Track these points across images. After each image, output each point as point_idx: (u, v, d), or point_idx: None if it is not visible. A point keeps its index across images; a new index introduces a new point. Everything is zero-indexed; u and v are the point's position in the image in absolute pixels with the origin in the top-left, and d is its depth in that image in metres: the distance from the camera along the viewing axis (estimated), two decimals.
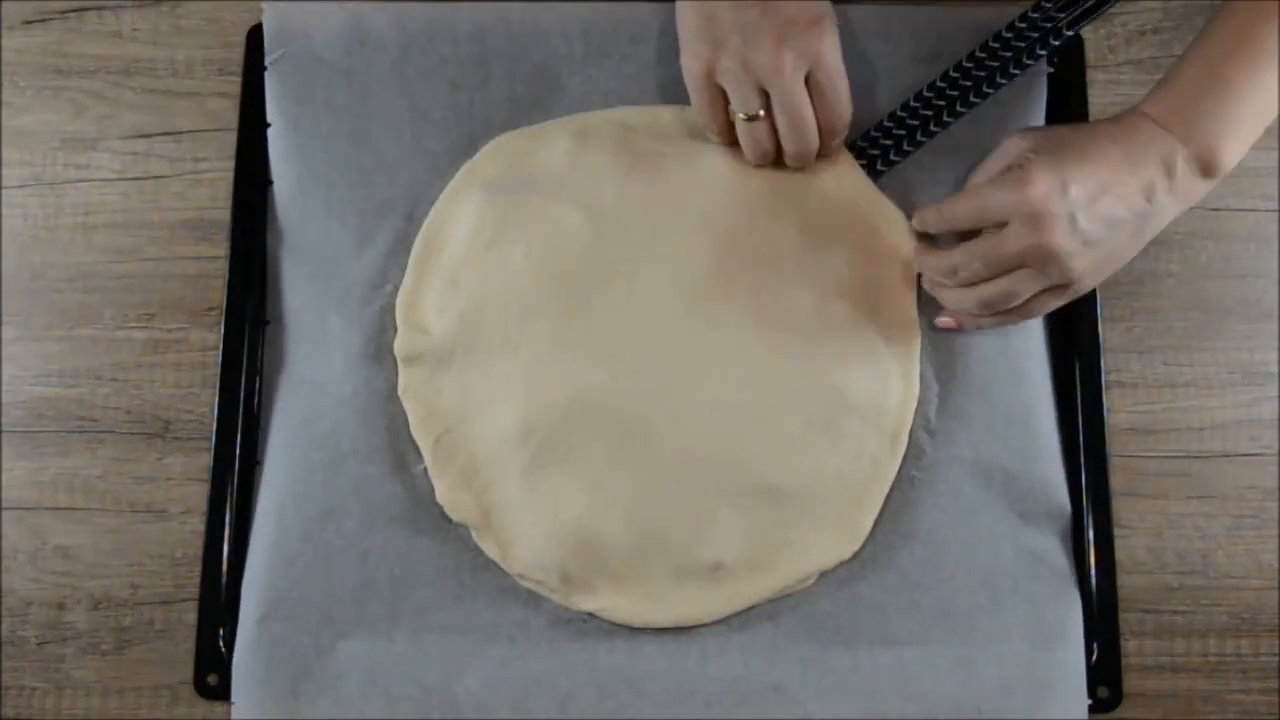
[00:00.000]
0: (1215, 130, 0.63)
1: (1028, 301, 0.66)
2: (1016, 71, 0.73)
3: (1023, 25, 0.73)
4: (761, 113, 0.68)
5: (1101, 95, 0.76)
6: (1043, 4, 0.73)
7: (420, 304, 0.72)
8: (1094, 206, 0.62)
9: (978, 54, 0.73)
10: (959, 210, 0.67)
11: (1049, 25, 0.73)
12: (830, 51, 0.67)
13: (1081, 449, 0.71)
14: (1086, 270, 0.64)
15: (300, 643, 0.69)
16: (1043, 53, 0.73)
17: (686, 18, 0.67)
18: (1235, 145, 0.63)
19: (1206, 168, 0.63)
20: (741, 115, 0.68)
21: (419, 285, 0.72)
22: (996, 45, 0.73)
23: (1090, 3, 0.73)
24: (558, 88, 0.74)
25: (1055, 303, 0.66)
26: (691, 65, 0.68)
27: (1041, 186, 0.62)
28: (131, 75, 0.78)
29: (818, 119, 0.68)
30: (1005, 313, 0.67)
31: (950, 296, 0.68)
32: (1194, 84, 0.63)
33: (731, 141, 0.71)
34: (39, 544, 0.73)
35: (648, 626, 0.68)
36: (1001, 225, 0.64)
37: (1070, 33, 0.73)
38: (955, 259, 0.66)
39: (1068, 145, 0.64)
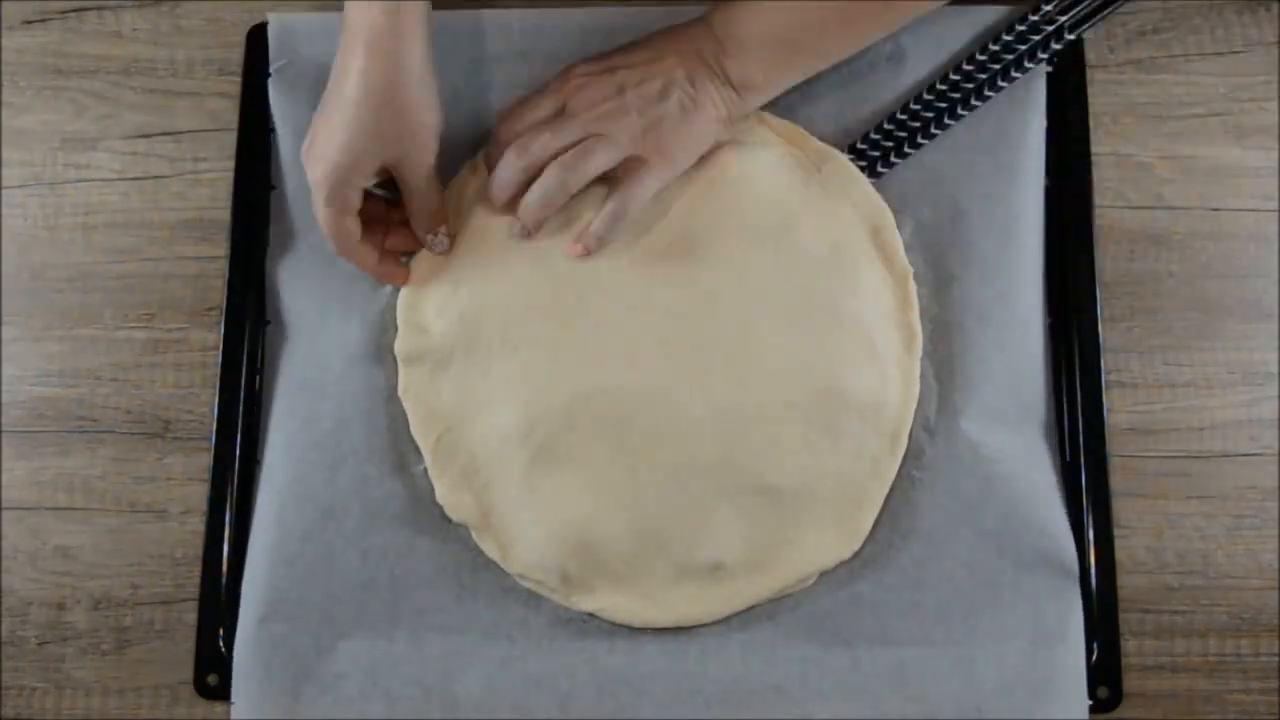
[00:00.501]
0: (738, 51, 0.68)
1: (623, 184, 0.68)
2: (1017, 74, 0.73)
3: (1023, 28, 0.73)
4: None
5: (1101, 95, 0.76)
6: (1043, 7, 0.74)
7: (420, 304, 0.72)
8: (639, 79, 0.68)
9: (978, 56, 0.73)
10: (505, 125, 0.70)
11: (1050, 28, 0.73)
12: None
13: (1081, 449, 0.71)
14: (648, 135, 0.67)
15: (300, 643, 0.69)
16: (1044, 55, 0.73)
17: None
18: (764, 72, 0.69)
19: (735, 82, 0.69)
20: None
21: (419, 285, 0.72)
22: (997, 48, 0.73)
23: (1092, 5, 0.73)
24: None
25: (644, 175, 0.68)
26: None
27: (589, 67, 0.69)
28: (131, 75, 0.78)
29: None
30: (610, 205, 0.68)
31: (522, 209, 0.69)
32: (743, 8, 0.69)
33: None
34: (39, 544, 0.73)
35: (648, 626, 0.68)
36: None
37: (1072, 36, 0.74)
38: (509, 161, 0.68)
39: (616, 50, 0.70)
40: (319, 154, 0.66)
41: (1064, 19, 0.73)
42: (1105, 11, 0.74)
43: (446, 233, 0.71)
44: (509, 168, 0.68)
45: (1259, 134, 0.76)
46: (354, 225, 0.68)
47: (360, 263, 0.70)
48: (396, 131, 0.66)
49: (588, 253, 0.69)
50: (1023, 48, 0.73)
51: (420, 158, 0.68)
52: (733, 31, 0.69)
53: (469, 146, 0.74)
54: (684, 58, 0.68)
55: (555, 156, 0.67)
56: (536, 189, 0.68)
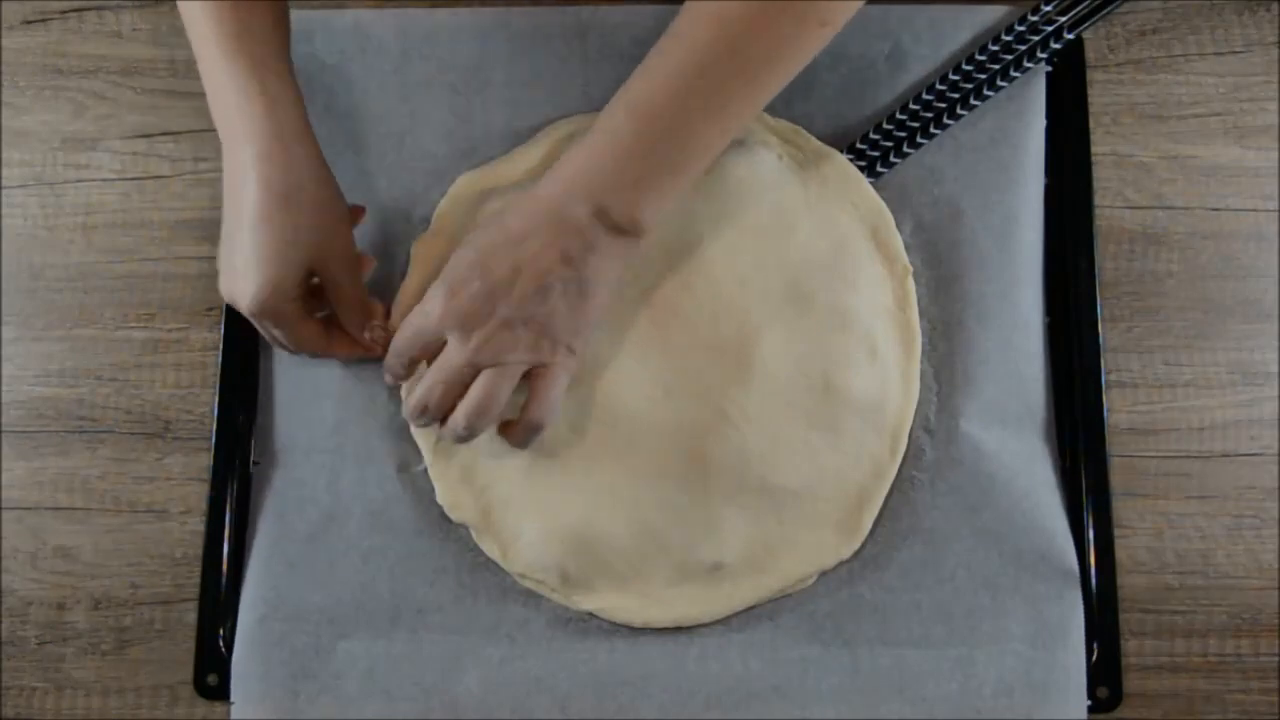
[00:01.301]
0: (618, 197, 0.62)
1: (534, 393, 0.65)
2: (1017, 74, 0.73)
3: (1022, 28, 0.73)
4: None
5: (1101, 95, 0.76)
6: (1043, 7, 0.74)
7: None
8: (509, 287, 0.62)
9: (977, 56, 0.73)
10: (400, 344, 0.66)
11: (1049, 28, 0.73)
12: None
13: (1081, 449, 0.71)
14: (540, 343, 0.63)
15: (300, 642, 0.69)
16: (1043, 55, 0.73)
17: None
18: (646, 204, 0.62)
19: (626, 229, 0.63)
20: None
21: (419, 287, 0.72)
22: (996, 48, 0.73)
23: (1091, 5, 0.73)
24: (558, 92, 0.74)
25: (553, 381, 0.65)
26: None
27: (460, 288, 0.63)
28: (131, 75, 0.78)
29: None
30: (524, 414, 0.65)
31: (444, 432, 0.66)
32: (600, 147, 0.62)
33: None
34: (39, 544, 0.73)
35: (647, 626, 0.68)
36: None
37: (1071, 35, 0.74)
38: (419, 395, 0.65)
39: (481, 250, 0.63)
40: (240, 287, 0.64)
41: (1063, 19, 0.73)
42: (1105, 11, 0.74)
43: (383, 323, 0.68)
44: (415, 416, 0.66)
45: (1259, 134, 0.76)
46: (309, 329, 0.67)
47: (341, 355, 0.69)
48: (312, 235, 0.64)
49: (520, 446, 0.67)
50: (1022, 48, 0.73)
51: (342, 253, 0.66)
52: (610, 186, 0.62)
53: (470, 145, 0.74)
54: (551, 241, 0.62)
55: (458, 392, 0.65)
56: (449, 433, 0.65)
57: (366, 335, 0.69)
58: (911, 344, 0.71)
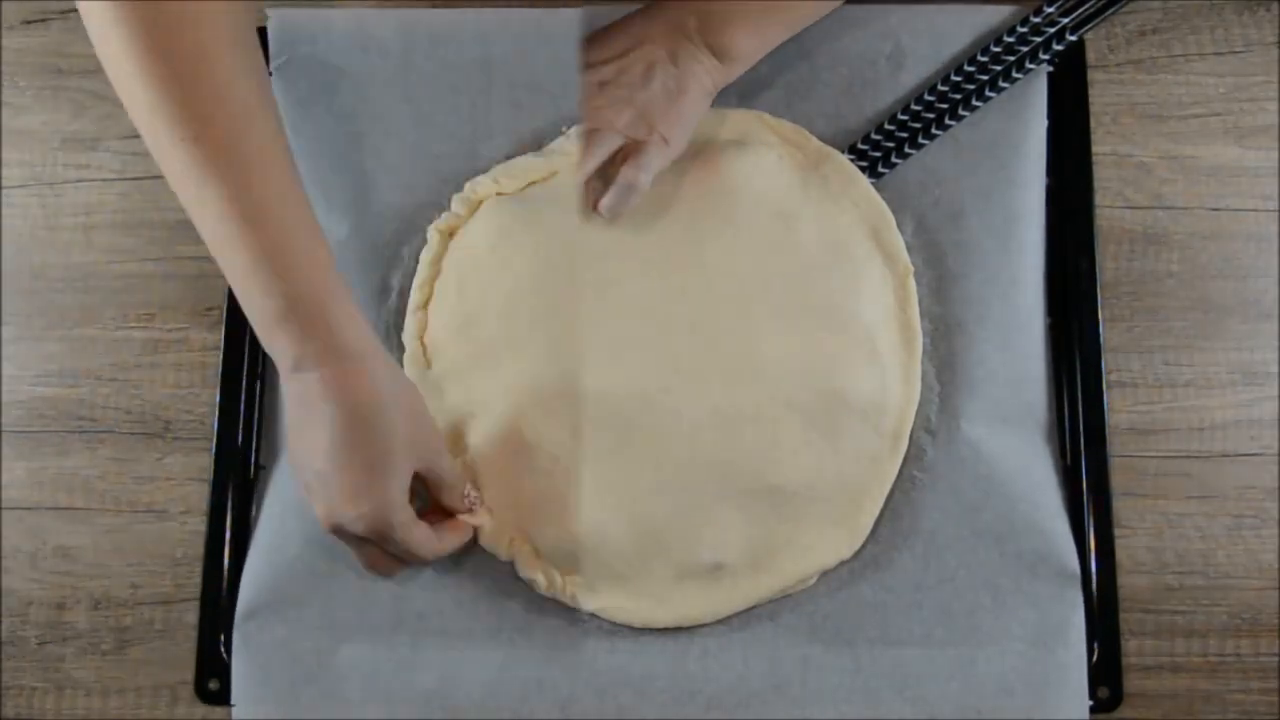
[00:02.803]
0: (721, 20, 0.69)
1: (629, 158, 0.69)
2: (1019, 75, 0.73)
3: (1025, 29, 0.73)
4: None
5: (1101, 95, 0.76)
6: (1045, 8, 0.73)
7: (425, 310, 0.72)
8: (618, 70, 0.69)
9: (979, 58, 0.73)
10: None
11: (1052, 29, 0.73)
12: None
13: (1082, 449, 0.71)
14: (639, 122, 0.68)
15: (301, 647, 0.69)
16: (1046, 57, 0.73)
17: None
18: (743, 34, 0.69)
19: (718, 51, 0.69)
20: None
21: (424, 286, 0.72)
22: (999, 49, 0.73)
23: (1095, 6, 0.73)
24: (560, 92, 0.74)
25: (646, 155, 0.68)
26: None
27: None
28: None
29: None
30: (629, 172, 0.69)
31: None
32: None
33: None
34: (39, 544, 0.73)
35: (648, 626, 0.68)
36: None
37: (1074, 37, 0.74)
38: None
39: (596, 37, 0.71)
40: (349, 512, 0.62)
41: (1066, 20, 0.73)
42: (1109, 12, 0.74)
43: (476, 495, 0.69)
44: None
45: (1259, 134, 0.76)
46: (422, 533, 0.65)
47: (448, 549, 0.67)
48: (408, 440, 0.63)
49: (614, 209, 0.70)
50: (1024, 49, 0.73)
51: (437, 446, 0.66)
52: (712, 3, 0.69)
53: (472, 146, 0.74)
54: (664, 37, 0.69)
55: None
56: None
57: (468, 510, 0.68)
58: (912, 344, 0.71)
